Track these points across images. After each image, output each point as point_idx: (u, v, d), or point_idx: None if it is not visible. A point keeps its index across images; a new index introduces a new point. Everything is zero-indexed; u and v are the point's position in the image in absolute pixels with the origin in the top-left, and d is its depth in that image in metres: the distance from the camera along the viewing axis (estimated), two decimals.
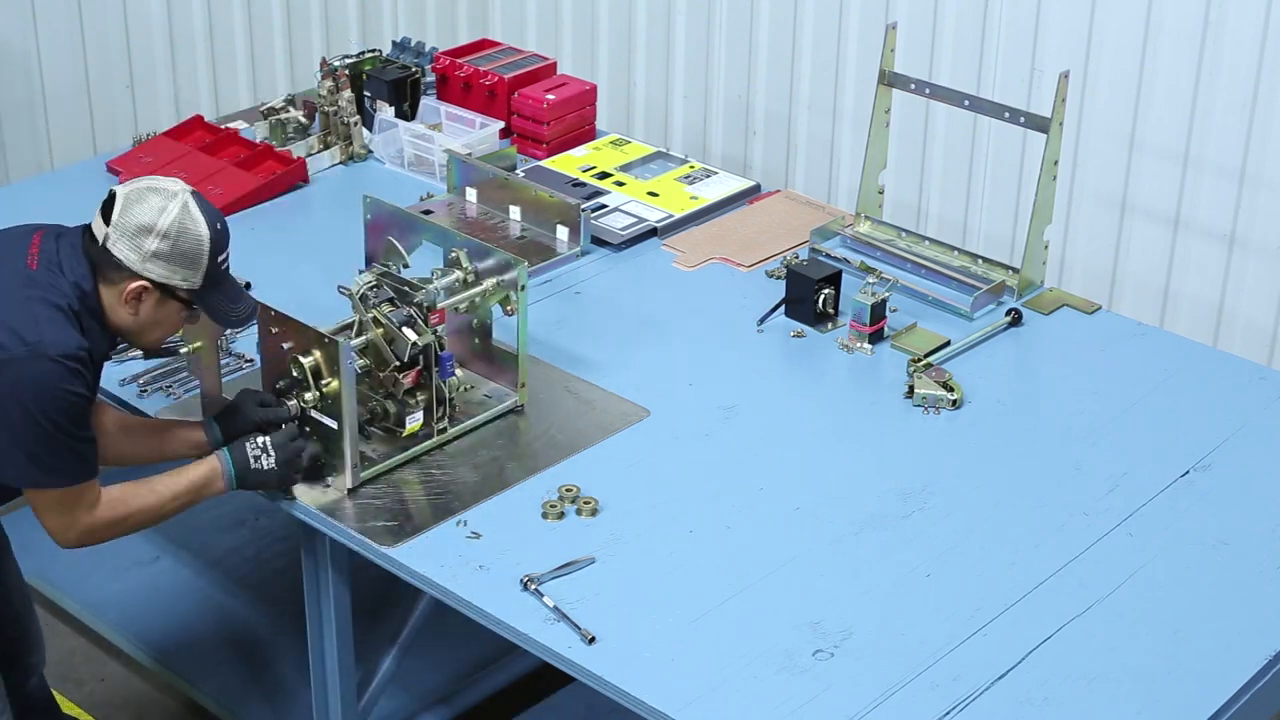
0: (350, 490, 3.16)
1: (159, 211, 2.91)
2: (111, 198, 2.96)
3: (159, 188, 2.95)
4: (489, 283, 3.37)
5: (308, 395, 3.14)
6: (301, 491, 3.16)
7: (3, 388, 2.83)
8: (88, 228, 2.99)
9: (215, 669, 4.04)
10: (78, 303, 2.92)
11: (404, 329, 3.20)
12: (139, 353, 3.54)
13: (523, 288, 3.32)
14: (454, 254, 3.40)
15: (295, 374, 3.14)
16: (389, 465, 3.22)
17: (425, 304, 3.25)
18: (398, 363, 3.21)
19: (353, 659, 3.46)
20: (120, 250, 2.92)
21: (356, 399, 3.15)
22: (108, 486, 3.02)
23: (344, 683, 3.45)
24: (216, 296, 3.02)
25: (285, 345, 3.14)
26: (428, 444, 3.28)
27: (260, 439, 3.11)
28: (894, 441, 3.37)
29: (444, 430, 3.31)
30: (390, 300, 3.26)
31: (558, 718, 3.87)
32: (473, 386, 3.44)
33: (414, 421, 3.25)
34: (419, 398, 3.26)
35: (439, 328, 3.28)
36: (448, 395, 3.31)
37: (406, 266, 3.39)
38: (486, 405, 3.39)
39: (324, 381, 3.12)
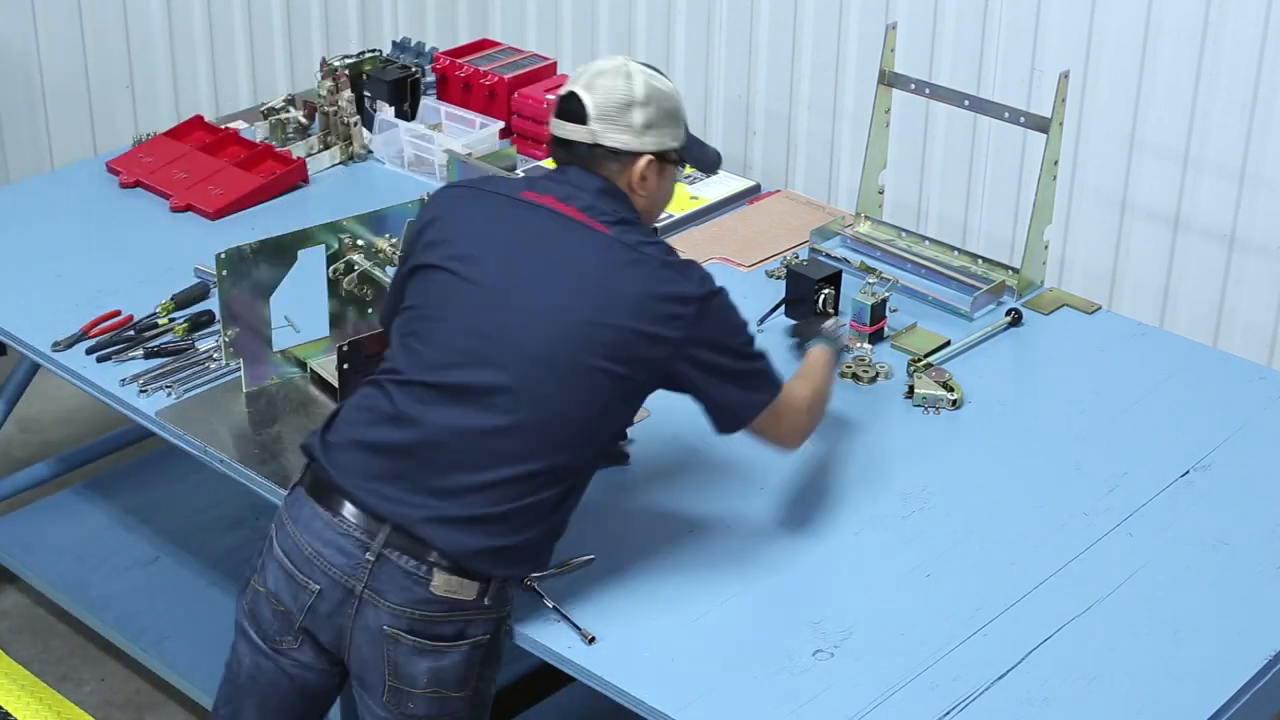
0: None
1: (626, 85, 2.82)
2: (571, 97, 2.84)
3: (604, 69, 2.85)
4: None
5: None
6: None
7: (708, 336, 2.79)
8: (555, 163, 2.92)
9: (215, 669, 4.02)
10: (641, 231, 2.85)
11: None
12: (139, 352, 3.54)
13: None
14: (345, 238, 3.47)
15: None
16: None
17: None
18: None
19: None
20: (613, 138, 2.82)
21: None
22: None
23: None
24: (694, 146, 2.96)
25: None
26: None
27: (829, 323, 3.39)
28: (894, 441, 3.37)
29: None
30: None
31: (558, 718, 3.87)
32: None
33: None
34: None
35: None
36: None
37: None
38: None
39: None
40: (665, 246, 2.83)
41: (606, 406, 2.79)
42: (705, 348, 2.79)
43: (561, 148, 2.88)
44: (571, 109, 2.85)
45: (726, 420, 2.90)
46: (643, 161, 2.84)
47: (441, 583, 2.74)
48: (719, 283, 2.85)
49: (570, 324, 2.74)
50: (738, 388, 2.85)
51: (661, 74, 2.90)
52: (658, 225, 4.07)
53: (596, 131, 2.83)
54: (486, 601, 2.77)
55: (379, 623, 2.76)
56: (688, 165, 2.97)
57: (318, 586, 2.80)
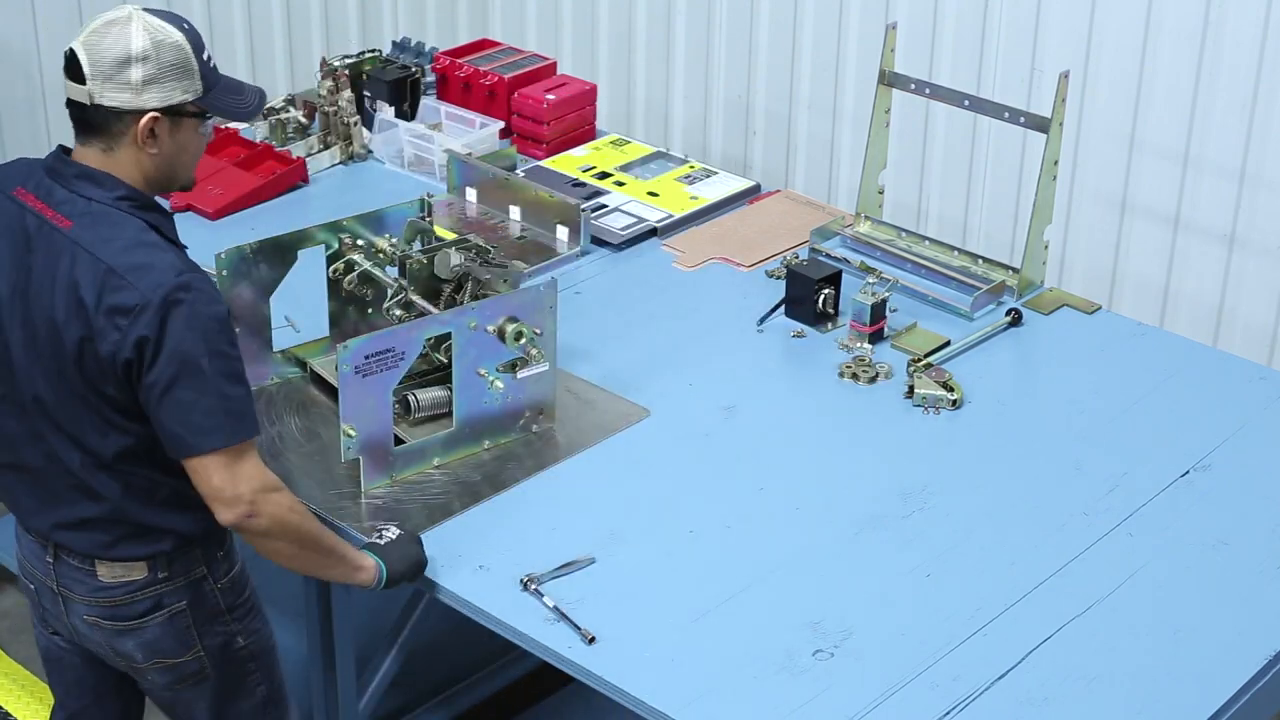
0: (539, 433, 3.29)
1: (124, 39, 2.69)
2: (70, 54, 2.71)
3: (110, 20, 2.72)
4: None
5: (534, 350, 3.20)
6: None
7: (179, 337, 2.64)
8: (60, 147, 2.82)
9: None
10: (137, 211, 2.74)
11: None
12: None
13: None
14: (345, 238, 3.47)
15: (517, 340, 3.18)
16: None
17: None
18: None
19: (353, 659, 3.46)
20: (111, 96, 2.69)
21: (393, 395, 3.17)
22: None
23: (344, 683, 3.46)
24: (221, 95, 2.81)
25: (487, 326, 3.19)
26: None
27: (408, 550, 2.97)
28: (894, 441, 3.37)
29: None
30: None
31: (558, 718, 3.87)
32: None
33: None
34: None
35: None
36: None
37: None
38: None
39: (535, 331, 3.19)
40: (135, 208, 2.73)
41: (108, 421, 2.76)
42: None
43: (72, 108, 2.76)
44: (71, 67, 2.72)
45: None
46: (146, 120, 2.71)
47: (106, 571, 2.87)
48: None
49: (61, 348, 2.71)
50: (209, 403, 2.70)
51: (177, 22, 2.75)
52: (659, 228, 4.10)
53: (94, 91, 2.70)
54: (162, 575, 2.88)
55: (80, 614, 2.94)
56: (217, 116, 2.85)
57: (33, 586, 3.03)
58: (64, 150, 2.82)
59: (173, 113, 2.75)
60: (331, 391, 3.38)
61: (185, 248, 2.81)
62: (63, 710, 3.22)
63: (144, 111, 2.71)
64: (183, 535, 2.88)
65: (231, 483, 2.72)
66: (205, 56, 2.79)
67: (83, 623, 2.95)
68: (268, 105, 4.49)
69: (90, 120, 2.74)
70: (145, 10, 2.75)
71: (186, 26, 2.77)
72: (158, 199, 2.84)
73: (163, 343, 2.64)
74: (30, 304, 2.75)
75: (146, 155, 2.75)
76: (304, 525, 2.83)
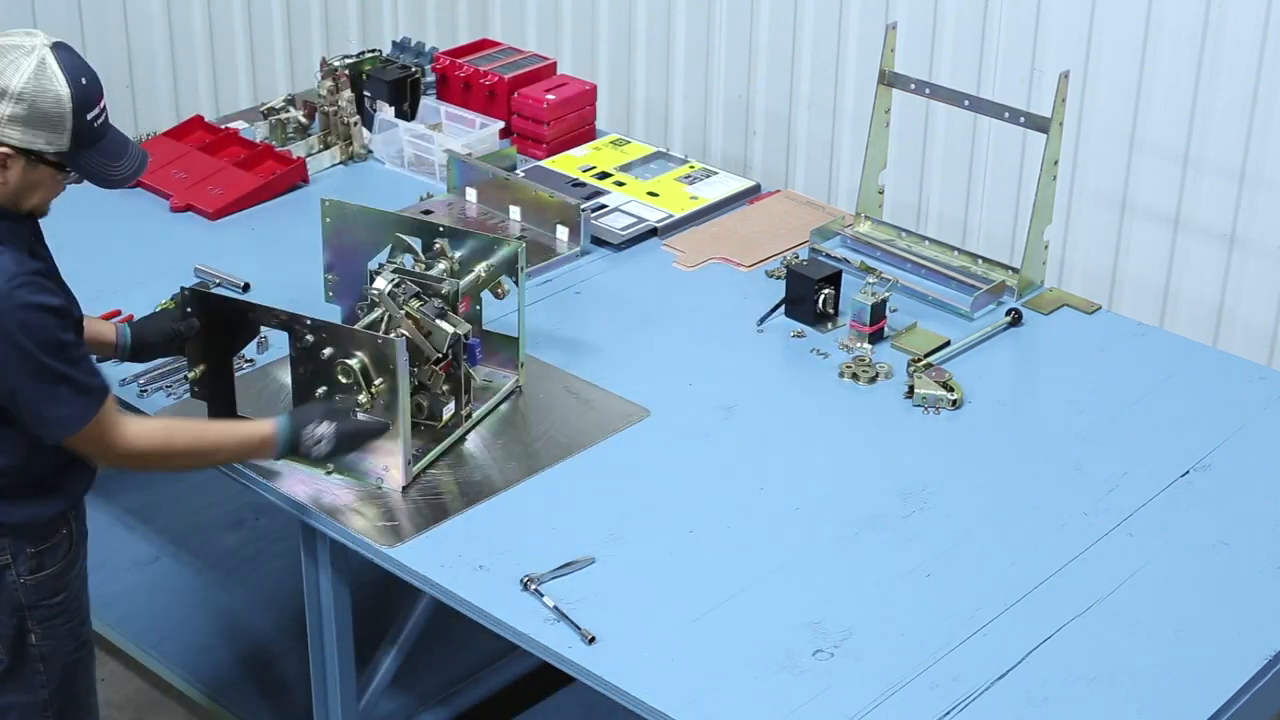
0: (404, 488, 3.17)
1: (12, 71, 2.71)
2: None
3: (15, 44, 2.74)
4: (481, 267, 3.39)
5: (361, 398, 3.12)
6: (349, 489, 3.19)
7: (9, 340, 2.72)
8: None
9: (215, 669, 4.04)
10: None
11: (440, 321, 3.22)
12: None
13: (522, 268, 3.35)
14: (438, 245, 3.41)
15: (344, 379, 3.11)
16: (433, 457, 3.25)
17: (452, 294, 3.28)
18: (438, 355, 3.23)
19: (353, 659, 3.46)
20: None
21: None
22: (155, 416, 3.07)
23: (344, 683, 3.45)
24: (92, 157, 2.82)
25: (325, 352, 3.13)
26: (459, 431, 3.31)
27: (320, 430, 3.06)
28: (894, 441, 3.37)
29: (470, 415, 3.35)
30: (416, 295, 3.27)
31: (558, 718, 3.87)
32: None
33: (448, 412, 3.29)
34: (446, 388, 3.28)
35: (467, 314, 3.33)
36: (475, 381, 3.37)
37: (422, 263, 3.39)
38: (489, 389, 3.43)
39: (376, 382, 3.11)
40: None
41: None
42: None
43: None
44: None
45: None
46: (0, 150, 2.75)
47: None
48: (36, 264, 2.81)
49: None
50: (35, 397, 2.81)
51: (76, 74, 2.76)
52: (659, 228, 4.10)
53: None
54: None
55: None
56: (97, 182, 2.88)
57: None
58: None
59: (29, 156, 2.77)
60: None
61: (38, 257, 2.86)
62: None
63: (1, 144, 2.75)
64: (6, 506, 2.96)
65: (101, 449, 2.92)
66: (91, 116, 2.79)
67: None
68: (267, 105, 4.50)
69: None
70: (56, 47, 2.77)
71: (84, 82, 2.78)
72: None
73: None
74: None
75: None
76: (176, 443, 3.01)
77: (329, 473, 3.18)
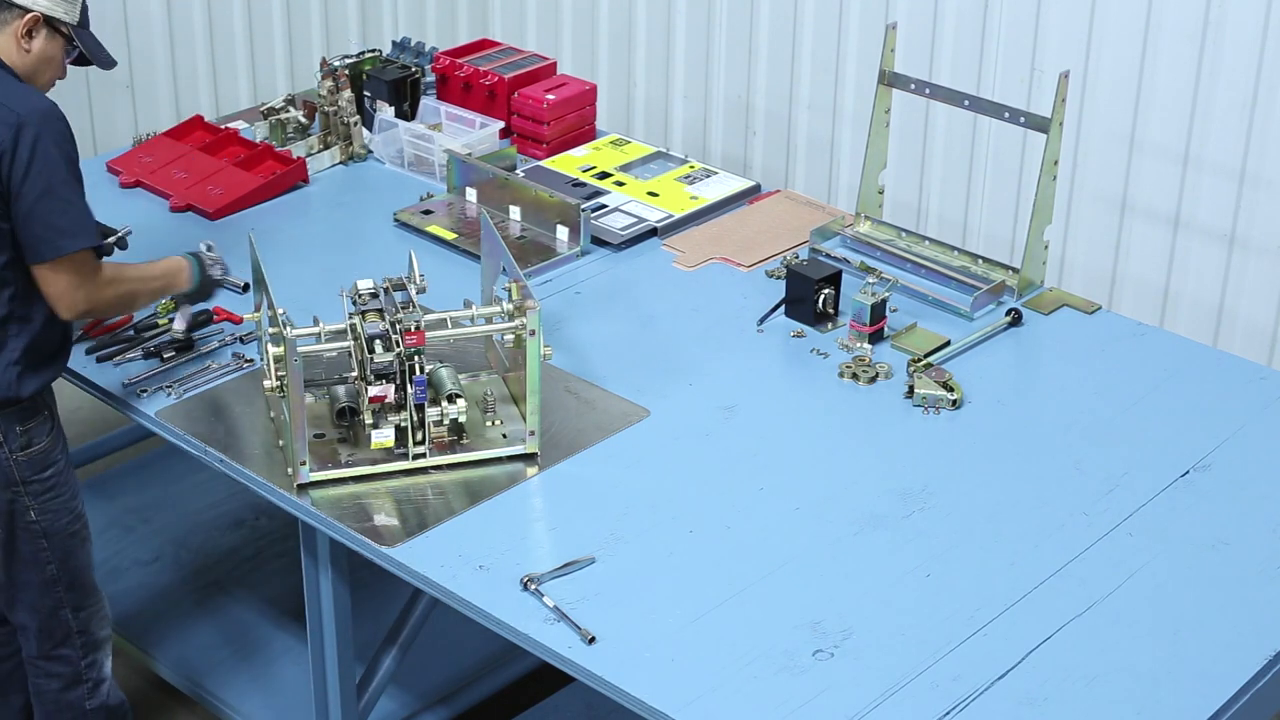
0: (299, 487, 3.16)
1: None
2: None
3: None
4: (491, 324, 3.29)
5: (268, 383, 3.21)
6: (268, 475, 3.22)
7: (42, 145, 3.13)
8: None
9: (215, 668, 4.04)
10: (8, 74, 3.21)
11: (373, 341, 3.15)
12: (138, 353, 3.55)
13: (532, 332, 3.17)
14: (508, 285, 3.32)
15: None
16: (340, 475, 3.18)
17: (403, 323, 3.16)
18: (359, 372, 3.17)
19: (353, 659, 3.46)
20: None
21: (328, 395, 3.22)
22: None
23: (344, 683, 3.46)
24: (89, 38, 3.33)
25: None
26: (399, 465, 3.20)
27: (211, 252, 3.69)
28: (894, 441, 3.37)
29: (421, 456, 3.21)
30: (380, 311, 3.22)
31: (558, 718, 3.87)
32: (499, 420, 3.35)
33: (381, 438, 3.19)
34: (395, 416, 3.19)
35: (413, 350, 3.16)
36: (427, 421, 3.20)
37: (422, 290, 3.29)
38: (497, 444, 3.28)
39: (281, 374, 3.12)
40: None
41: None
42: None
43: None
44: None
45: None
46: (29, 16, 3.21)
47: None
48: None
49: None
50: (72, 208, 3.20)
51: None
52: (659, 228, 4.10)
53: None
54: None
55: None
56: (83, 55, 3.33)
57: None
58: None
59: (50, 25, 3.25)
60: None
61: None
62: None
63: (28, 10, 3.21)
64: None
65: (83, 278, 3.23)
66: (83, 4, 3.31)
67: None
68: (267, 105, 4.50)
69: None
70: None
71: None
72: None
73: (34, 156, 3.14)
74: None
75: (21, 48, 3.24)
76: (124, 293, 3.34)
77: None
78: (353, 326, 3.19)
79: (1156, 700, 2.72)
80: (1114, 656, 2.81)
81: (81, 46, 3.32)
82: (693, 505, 3.15)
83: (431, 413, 3.20)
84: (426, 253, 3.73)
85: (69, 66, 3.37)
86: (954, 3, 4.72)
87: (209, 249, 3.73)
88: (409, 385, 3.15)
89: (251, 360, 3.53)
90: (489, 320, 3.32)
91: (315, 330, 3.22)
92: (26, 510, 3.35)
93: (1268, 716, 2.89)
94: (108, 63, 3.41)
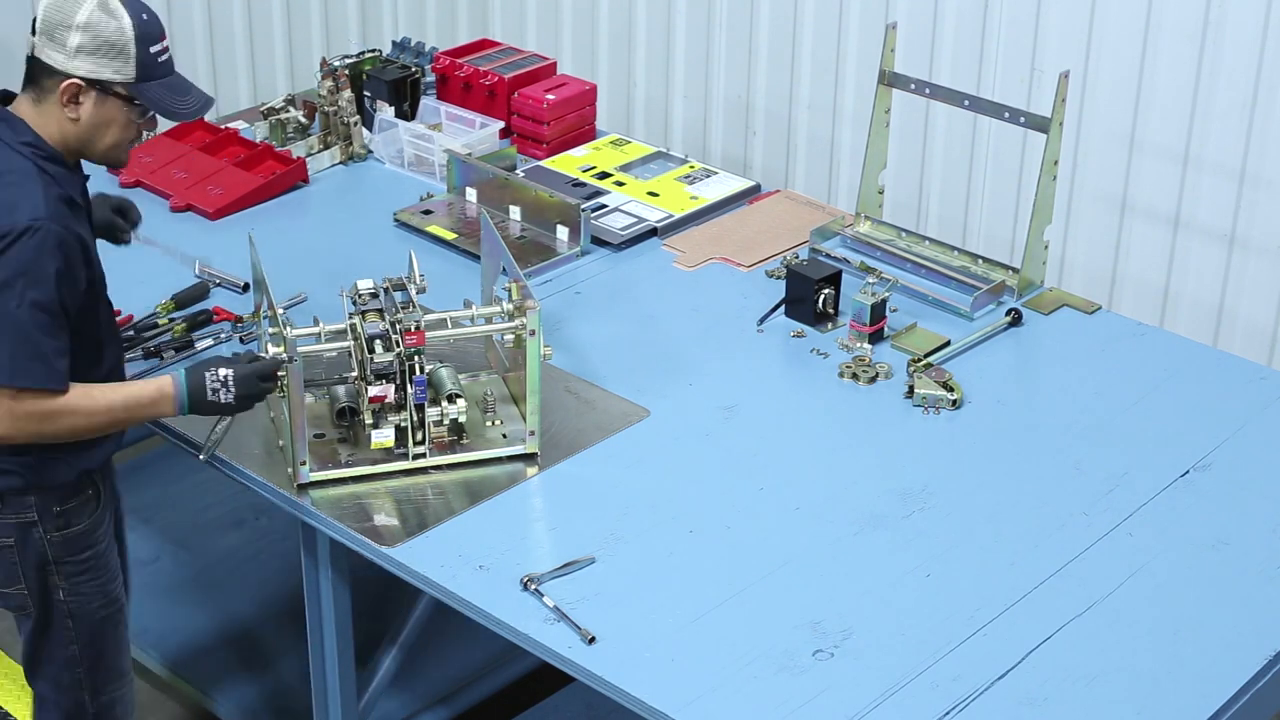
0: (299, 487, 3.16)
1: (75, 6, 2.92)
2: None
3: None
4: (491, 324, 3.28)
5: (272, 383, 3.14)
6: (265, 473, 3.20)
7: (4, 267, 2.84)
8: (6, 94, 3.06)
9: (215, 669, 4.04)
10: (29, 159, 2.93)
11: (374, 342, 3.15)
12: (138, 352, 3.54)
13: (532, 332, 3.16)
14: (509, 285, 3.33)
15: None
16: (340, 475, 3.18)
17: (403, 323, 3.16)
18: (359, 372, 3.17)
19: (353, 659, 3.46)
20: (48, 54, 2.93)
21: (328, 395, 3.20)
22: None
23: (344, 683, 3.46)
24: (157, 90, 2.99)
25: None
26: (399, 465, 3.20)
27: (223, 371, 3.05)
28: (894, 441, 3.37)
29: (422, 456, 3.21)
30: (380, 311, 3.22)
31: (558, 718, 3.87)
32: (499, 420, 3.35)
33: (381, 438, 3.19)
34: (395, 416, 3.19)
35: (413, 350, 3.16)
36: (427, 421, 3.19)
37: (422, 290, 3.28)
38: (497, 444, 3.28)
39: (281, 374, 3.11)
40: (28, 155, 2.93)
41: None
42: None
43: (27, 58, 3.01)
44: (35, 20, 2.98)
45: None
46: (69, 84, 2.93)
47: None
48: (69, 208, 2.93)
49: None
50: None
51: (136, 10, 2.95)
52: (659, 228, 4.10)
53: (37, 44, 2.96)
54: None
55: None
56: (162, 113, 3.02)
57: None
58: (7, 95, 3.05)
59: (99, 87, 2.94)
60: None
61: (84, 208, 3.03)
62: None
63: (69, 76, 2.93)
64: (18, 478, 3.03)
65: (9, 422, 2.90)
66: (154, 49, 2.98)
67: None
68: (267, 105, 4.50)
69: (31, 71, 2.98)
70: None
71: (145, 18, 2.97)
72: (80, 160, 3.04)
73: None
74: None
75: (67, 118, 2.96)
76: (64, 428, 2.95)
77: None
78: (353, 326, 3.19)
79: (1156, 700, 2.72)
80: (1114, 656, 2.81)
81: (146, 103, 2.98)
82: (693, 505, 3.15)
83: (431, 413, 3.20)
84: (426, 253, 3.73)
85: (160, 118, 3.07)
86: (954, 3, 4.72)
87: (203, 269, 3.50)
88: (409, 385, 3.15)
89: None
90: (489, 320, 3.32)
91: (315, 330, 3.22)
92: (56, 589, 3.17)
93: (1268, 716, 2.89)
94: (190, 113, 3.06)
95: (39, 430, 2.94)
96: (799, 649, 2.81)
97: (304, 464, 3.15)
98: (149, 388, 3.04)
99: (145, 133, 3.10)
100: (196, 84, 3.20)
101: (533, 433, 3.24)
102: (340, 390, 3.25)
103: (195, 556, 4.37)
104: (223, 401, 3.05)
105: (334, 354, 3.23)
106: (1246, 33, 4.24)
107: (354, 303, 3.24)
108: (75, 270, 2.91)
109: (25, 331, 2.85)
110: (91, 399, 2.97)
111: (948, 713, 2.69)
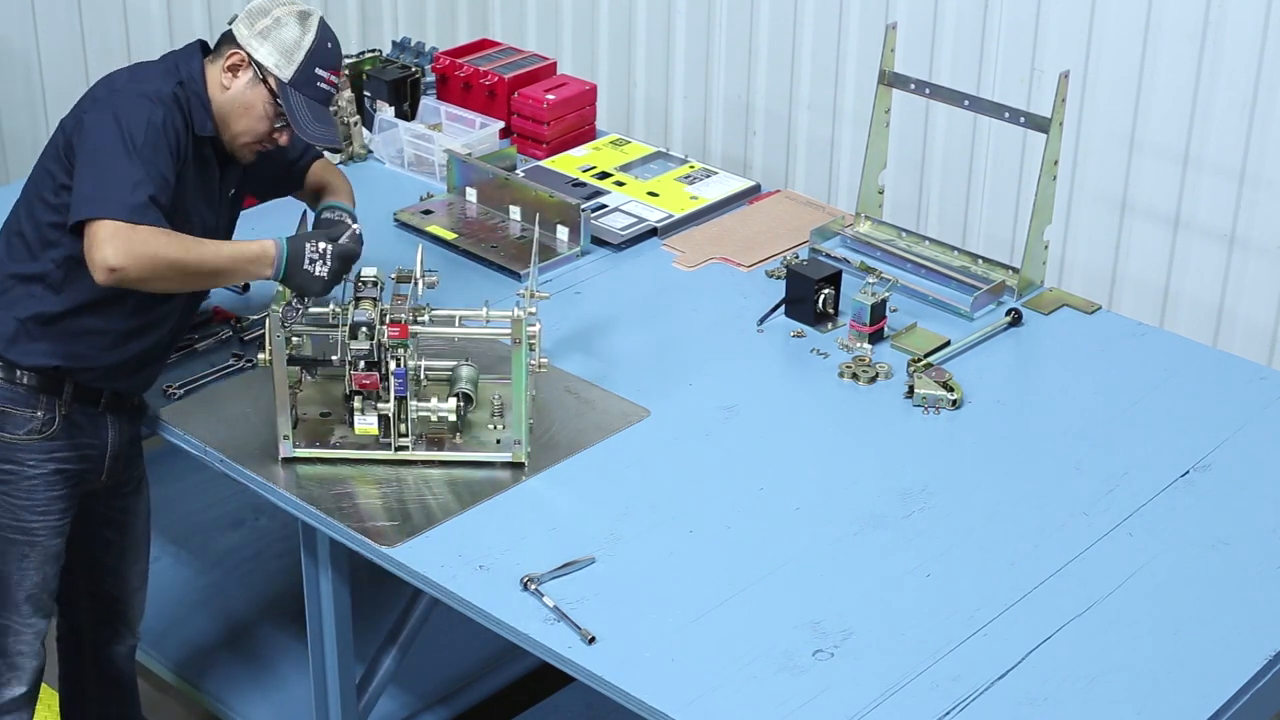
0: (283, 460, 3.19)
1: (284, 6, 3.22)
2: None
3: (298, 3, 3.25)
4: (490, 328, 3.27)
5: (261, 355, 3.18)
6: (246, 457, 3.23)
7: (103, 115, 3.04)
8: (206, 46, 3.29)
9: (215, 668, 4.04)
10: (178, 87, 3.14)
11: (358, 329, 3.15)
12: None
13: (517, 341, 3.15)
14: (521, 291, 3.33)
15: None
16: (322, 455, 3.21)
17: (389, 315, 3.16)
18: (338, 357, 3.19)
19: (353, 659, 3.46)
20: (238, 28, 3.20)
21: (302, 377, 3.25)
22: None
23: (344, 683, 3.46)
24: (300, 102, 3.19)
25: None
26: (381, 455, 3.21)
27: (322, 245, 3.16)
28: (894, 441, 3.37)
29: (404, 449, 3.21)
30: (374, 300, 3.22)
31: (558, 718, 3.87)
32: (503, 425, 3.32)
33: (364, 424, 3.21)
34: (380, 404, 3.19)
35: (397, 342, 3.15)
36: (409, 415, 3.20)
37: (432, 286, 3.29)
38: (489, 447, 3.26)
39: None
40: (180, 85, 3.16)
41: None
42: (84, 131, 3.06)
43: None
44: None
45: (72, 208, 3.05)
46: (237, 54, 3.18)
47: None
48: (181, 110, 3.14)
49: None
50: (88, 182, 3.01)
51: (325, 35, 3.26)
52: (659, 228, 4.10)
53: (235, 19, 3.25)
54: None
55: None
56: (294, 123, 3.19)
57: None
58: (207, 46, 3.29)
59: (257, 69, 3.18)
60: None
61: (211, 167, 3.22)
62: None
63: (242, 48, 3.17)
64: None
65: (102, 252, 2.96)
66: (320, 72, 3.23)
67: None
68: None
69: (219, 40, 3.24)
70: (322, 19, 3.29)
71: (329, 46, 3.27)
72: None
73: (84, 118, 3.08)
74: None
75: (222, 84, 3.18)
76: (171, 250, 3.00)
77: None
78: (341, 311, 3.20)
79: (1156, 700, 2.72)
80: (1114, 656, 2.81)
81: (283, 106, 3.17)
82: (693, 505, 3.15)
83: (413, 406, 3.20)
84: (426, 253, 3.72)
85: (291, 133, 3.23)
86: (954, 3, 4.72)
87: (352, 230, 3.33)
88: (390, 376, 3.17)
89: (252, 361, 3.52)
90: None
91: (327, 310, 3.22)
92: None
93: (1268, 716, 2.89)
94: (317, 137, 3.21)
95: (132, 251, 2.93)
96: (799, 649, 2.81)
97: (286, 438, 3.17)
98: (253, 245, 3.14)
99: (276, 140, 3.24)
100: None
101: (518, 442, 3.22)
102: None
103: (195, 556, 4.37)
104: (316, 274, 3.14)
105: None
106: (1246, 33, 4.24)
107: (355, 289, 3.25)
108: (168, 153, 3.07)
109: (119, 169, 2.99)
110: (201, 243, 3.07)
111: (948, 713, 2.69)
